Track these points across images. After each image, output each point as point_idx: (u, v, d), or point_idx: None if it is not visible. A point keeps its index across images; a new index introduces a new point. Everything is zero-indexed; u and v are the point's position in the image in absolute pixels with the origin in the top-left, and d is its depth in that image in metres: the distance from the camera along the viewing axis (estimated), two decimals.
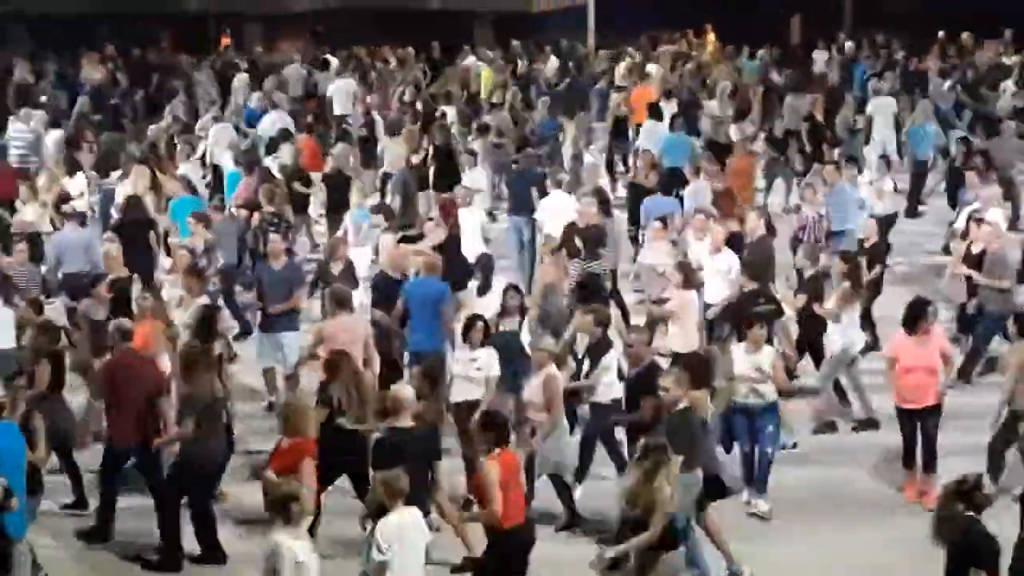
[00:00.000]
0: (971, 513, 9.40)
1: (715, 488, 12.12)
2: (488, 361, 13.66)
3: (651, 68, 31.84)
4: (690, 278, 15.68)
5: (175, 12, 39.82)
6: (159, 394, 12.98)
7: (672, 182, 21.07)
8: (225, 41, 38.93)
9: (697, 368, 12.73)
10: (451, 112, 26.70)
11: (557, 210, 19.05)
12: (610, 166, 25.49)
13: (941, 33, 34.68)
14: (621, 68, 32.02)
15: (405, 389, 12.19)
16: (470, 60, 33.71)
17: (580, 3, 36.73)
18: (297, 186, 21.40)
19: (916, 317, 13.70)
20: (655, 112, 25.57)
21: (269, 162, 22.43)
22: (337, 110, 28.62)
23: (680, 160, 22.03)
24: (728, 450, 13.56)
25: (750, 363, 13.44)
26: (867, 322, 16.85)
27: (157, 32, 38.40)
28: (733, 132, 24.95)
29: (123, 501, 13.14)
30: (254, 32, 40.16)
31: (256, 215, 19.38)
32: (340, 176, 21.76)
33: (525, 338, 14.79)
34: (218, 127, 25.42)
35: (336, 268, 16.71)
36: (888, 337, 14.78)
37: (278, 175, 21.36)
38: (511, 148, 23.72)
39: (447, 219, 18.69)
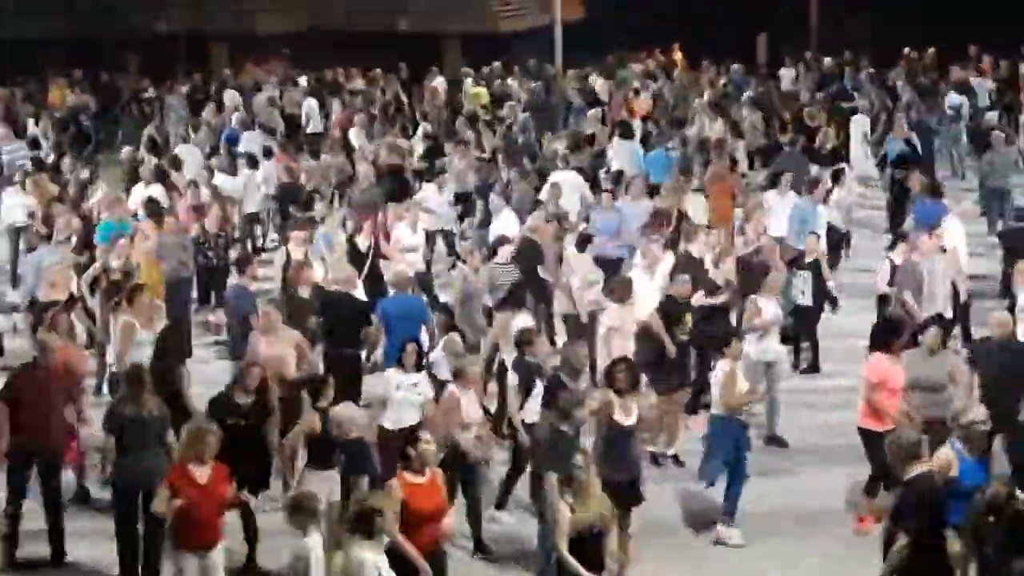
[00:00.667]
0: None
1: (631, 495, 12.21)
2: (425, 385, 13.73)
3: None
4: (622, 293, 15.83)
5: (143, 35, 39.76)
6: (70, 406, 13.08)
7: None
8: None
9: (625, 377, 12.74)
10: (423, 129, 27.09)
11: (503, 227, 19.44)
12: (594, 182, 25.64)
13: (906, 49, 35.01)
14: (600, 83, 32.35)
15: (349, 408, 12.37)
16: (438, 81, 33.92)
17: (547, 24, 36.79)
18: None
19: (889, 336, 13.82)
20: (626, 130, 25.83)
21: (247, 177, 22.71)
22: (309, 129, 28.86)
23: (662, 176, 22.55)
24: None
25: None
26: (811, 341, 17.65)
27: (124, 55, 38.38)
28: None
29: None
30: (222, 54, 40.15)
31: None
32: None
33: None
34: (185, 148, 25.71)
35: (304, 292, 16.53)
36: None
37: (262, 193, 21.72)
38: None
39: (369, 233, 18.90)
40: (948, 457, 10.78)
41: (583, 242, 18.02)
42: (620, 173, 22.63)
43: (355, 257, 18.17)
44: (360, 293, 16.68)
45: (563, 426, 12.06)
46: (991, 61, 33.04)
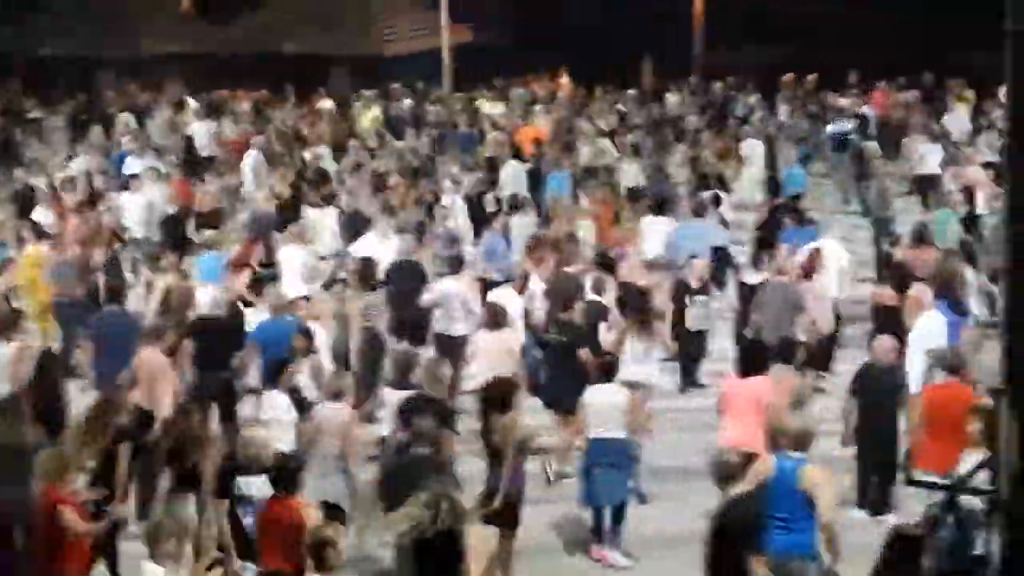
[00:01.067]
0: None
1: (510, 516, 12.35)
2: (289, 406, 13.81)
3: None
4: (496, 319, 16.00)
5: (29, 56, 39.36)
6: None
7: None
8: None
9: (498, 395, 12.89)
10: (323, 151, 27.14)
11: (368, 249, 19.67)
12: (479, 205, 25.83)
13: (788, 75, 35.54)
14: (498, 107, 32.60)
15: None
16: (326, 103, 33.97)
17: (435, 47, 36.92)
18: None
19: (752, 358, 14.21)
20: (518, 153, 26.11)
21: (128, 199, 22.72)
22: (203, 153, 28.78)
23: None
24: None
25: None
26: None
27: (6, 77, 37.95)
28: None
29: None
30: (107, 77, 39.81)
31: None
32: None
33: None
34: (74, 169, 25.61)
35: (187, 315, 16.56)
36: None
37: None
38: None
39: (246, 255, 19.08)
40: (763, 468, 11.04)
41: (455, 264, 18.25)
42: (514, 196, 22.81)
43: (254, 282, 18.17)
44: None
45: (417, 447, 12.07)
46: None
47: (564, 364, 15.81)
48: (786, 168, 25.42)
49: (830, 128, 29.67)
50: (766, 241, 20.32)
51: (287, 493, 11.06)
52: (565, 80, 38.05)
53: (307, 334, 15.61)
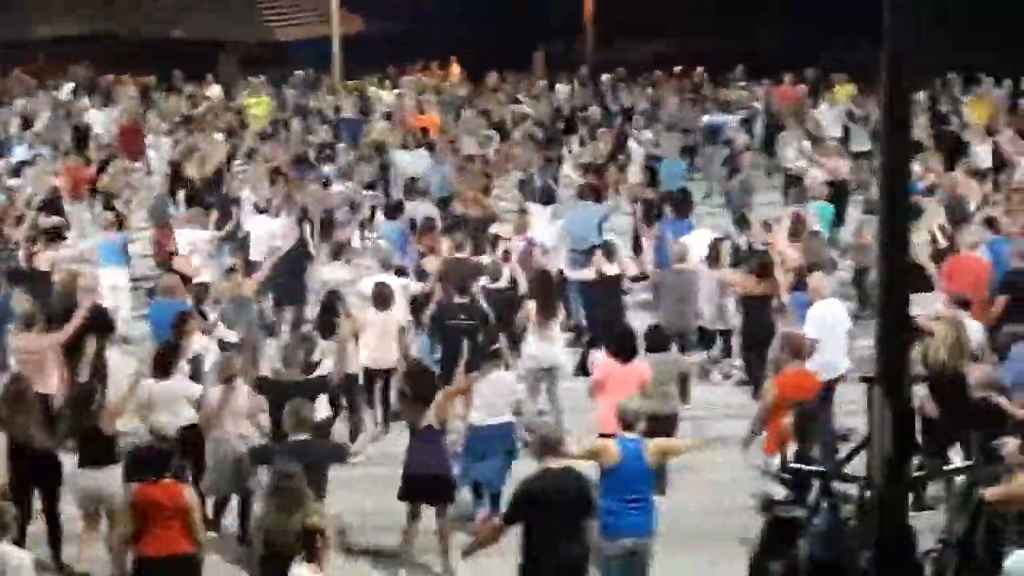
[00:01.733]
0: None
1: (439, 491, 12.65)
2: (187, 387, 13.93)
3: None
4: (383, 299, 16.16)
5: None
6: None
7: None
8: None
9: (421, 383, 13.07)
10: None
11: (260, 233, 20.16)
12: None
13: (676, 68, 35.83)
14: (389, 96, 32.54)
15: None
16: (214, 89, 33.72)
17: (326, 35, 36.76)
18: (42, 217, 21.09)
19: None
20: (408, 142, 26.17)
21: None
22: (93, 138, 28.44)
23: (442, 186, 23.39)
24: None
25: None
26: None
27: None
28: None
29: None
30: None
31: None
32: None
33: None
34: None
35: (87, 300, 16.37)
36: None
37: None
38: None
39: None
40: (597, 447, 11.31)
41: (337, 251, 18.56)
42: (413, 180, 22.87)
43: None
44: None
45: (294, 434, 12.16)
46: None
47: (456, 347, 15.85)
48: (668, 160, 25.55)
49: (705, 119, 29.87)
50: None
51: (159, 476, 11.08)
52: (456, 70, 38.04)
53: (202, 316, 15.61)
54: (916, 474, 7.31)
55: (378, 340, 16.04)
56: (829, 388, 14.72)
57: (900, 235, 7.22)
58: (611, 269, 18.05)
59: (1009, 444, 9.89)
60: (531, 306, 16.51)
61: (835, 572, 7.90)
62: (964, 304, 15.67)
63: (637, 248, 20.90)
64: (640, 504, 11.04)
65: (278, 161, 24.43)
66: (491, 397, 13.90)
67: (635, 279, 19.11)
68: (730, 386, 17.96)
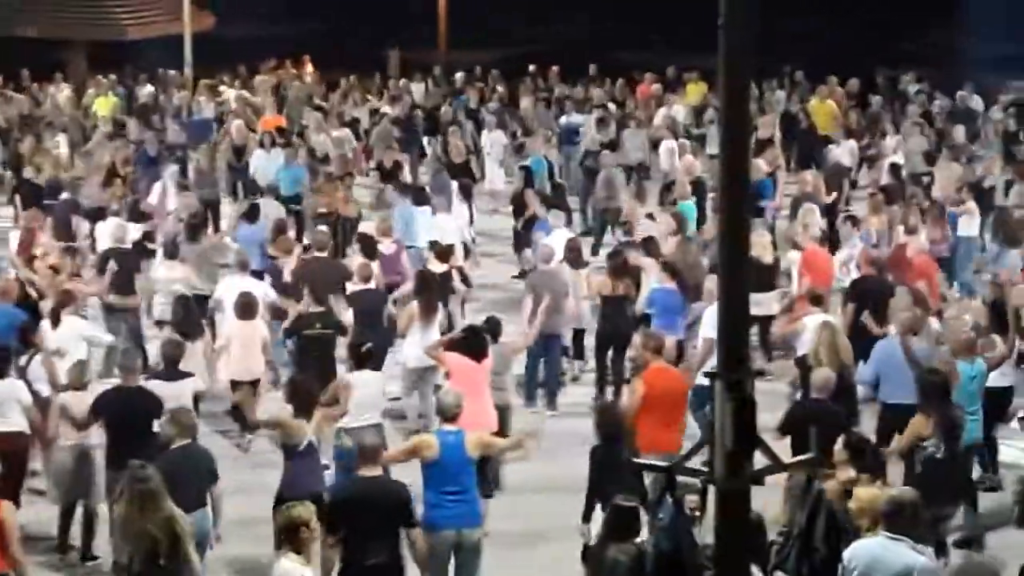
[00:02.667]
0: None
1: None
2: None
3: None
4: (247, 308, 16.00)
5: None
6: None
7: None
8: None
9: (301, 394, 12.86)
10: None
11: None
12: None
13: (532, 67, 35.99)
14: (241, 95, 32.28)
15: None
16: (63, 88, 33.23)
17: (177, 33, 36.30)
18: None
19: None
20: (264, 142, 26.05)
21: None
22: None
23: (292, 188, 23.39)
24: None
25: None
26: None
27: None
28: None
29: None
30: None
31: None
32: None
33: None
34: None
35: None
36: None
37: None
38: None
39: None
40: (415, 443, 11.56)
41: (170, 254, 18.46)
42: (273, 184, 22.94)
43: None
44: None
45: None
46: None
47: (316, 355, 15.77)
48: (533, 158, 25.66)
49: (563, 120, 30.07)
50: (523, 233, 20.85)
51: None
52: (309, 68, 37.83)
53: (35, 321, 15.33)
54: (757, 468, 7.32)
55: (243, 350, 15.75)
56: None
57: (739, 230, 7.28)
58: (437, 268, 18.05)
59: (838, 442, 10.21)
60: (414, 306, 16.37)
61: (678, 564, 8.00)
62: (817, 300, 15.98)
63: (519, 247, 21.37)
64: (461, 496, 11.20)
65: (118, 161, 24.13)
66: (361, 399, 13.86)
67: (518, 276, 19.02)
68: (590, 386, 17.91)
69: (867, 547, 9.20)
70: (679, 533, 7.99)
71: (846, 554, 8.90)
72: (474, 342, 14.35)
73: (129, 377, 13.26)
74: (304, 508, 9.87)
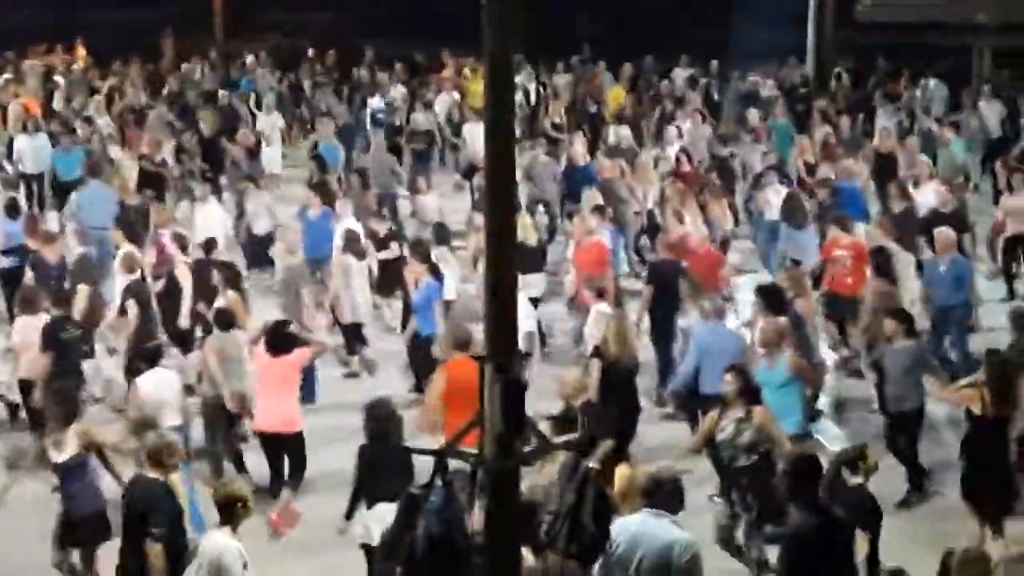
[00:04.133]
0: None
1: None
2: None
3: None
4: (29, 303, 15.75)
5: None
6: None
7: None
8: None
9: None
10: None
11: None
12: None
13: (311, 51, 35.86)
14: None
15: None
16: None
17: None
18: None
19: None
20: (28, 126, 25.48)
21: None
22: None
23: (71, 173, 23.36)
24: None
25: None
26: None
27: None
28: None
29: None
30: None
31: None
32: None
33: None
34: None
35: None
36: None
37: None
38: None
39: None
40: None
41: None
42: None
43: None
44: None
45: None
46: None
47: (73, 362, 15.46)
48: (323, 144, 25.58)
49: (372, 103, 30.11)
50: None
51: None
52: (82, 52, 37.04)
53: None
54: (526, 449, 7.45)
55: (26, 348, 15.34)
56: None
57: (506, 216, 7.41)
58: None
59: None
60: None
61: (448, 547, 8.08)
62: (600, 293, 16.26)
63: None
64: None
65: None
66: (155, 400, 13.58)
67: None
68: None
69: (630, 524, 9.46)
70: (450, 517, 8.07)
71: (613, 529, 9.11)
72: (275, 338, 14.19)
73: None
74: (241, 484, 10.30)
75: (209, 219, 20.38)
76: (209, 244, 18.16)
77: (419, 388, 16.15)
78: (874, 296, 16.35)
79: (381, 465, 11.52)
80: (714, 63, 33.07)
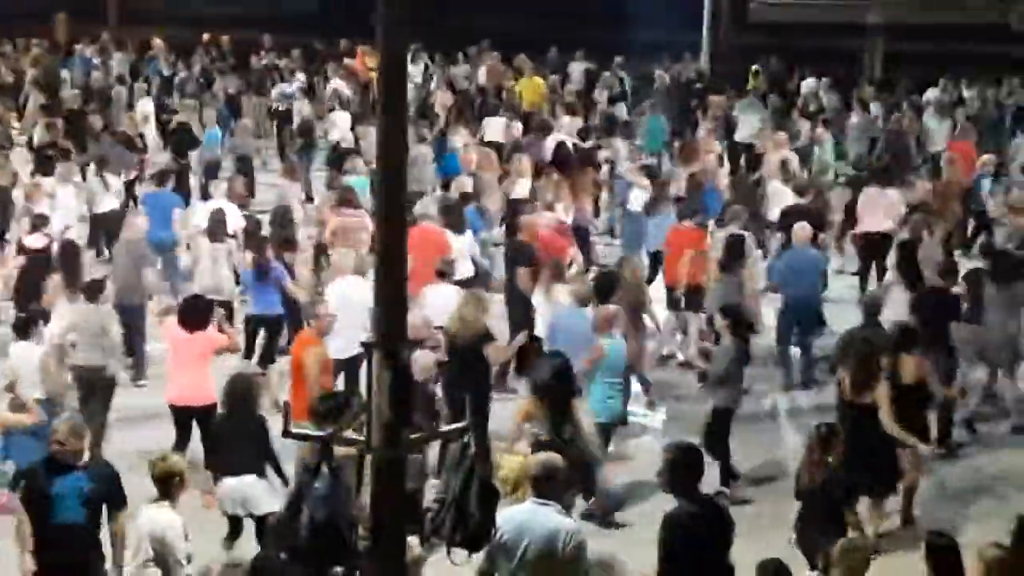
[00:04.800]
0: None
1: None
2: None
3: None
4: None
5: None
6: None
7: None
8: None
9: None
10: None
11: None
12: None
13: (205, 35, 35.57)
14: None
15: None
16: None
17: None
18: None
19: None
20: None
21: None
22: None
23: None
24: None
25: None
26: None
27: None
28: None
29: None
30: None
31: None
32: None
33: None
34: None
35: None
36: None
37: None
38: None
39: None
40: None
41: None
42: None
43: None
44: None
45: None
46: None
47: None
48: (209, 131, 25.45)
49: (275, 91, 30.07)
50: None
51: None
52: None
53: None
54: (413, 436, 7.46)
55: None
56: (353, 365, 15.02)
57: (396, 202, 7.43)
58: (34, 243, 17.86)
59: None
60: (56, 279, 15.95)
61: (332, 533, 8.09)
62: (441, 274, 16.35)
63: None
64: None
65: None
66: (21, 373, 13.46)
67: None
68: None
69: (516, 513, 9.52)
70: (333, 502, 8.07)
71: (499, 518, 9.15)
72: (189, 313, 14.21)
73: None
74: (178, 460, 10.41)
75: (65, 197, 20.28)
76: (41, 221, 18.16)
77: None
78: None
79: (229, 438, 11.83)
80: (618, 58, 33.39)
